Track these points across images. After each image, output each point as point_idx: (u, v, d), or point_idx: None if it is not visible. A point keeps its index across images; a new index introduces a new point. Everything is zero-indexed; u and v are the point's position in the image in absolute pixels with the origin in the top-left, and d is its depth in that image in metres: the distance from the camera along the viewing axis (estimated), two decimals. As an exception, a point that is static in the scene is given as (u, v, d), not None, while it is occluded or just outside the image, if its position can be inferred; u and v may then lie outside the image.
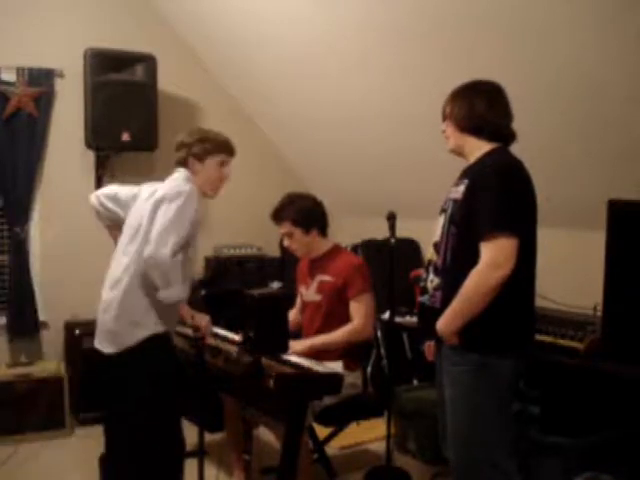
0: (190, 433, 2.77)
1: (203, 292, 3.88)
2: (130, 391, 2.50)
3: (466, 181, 2.24)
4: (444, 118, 2.39)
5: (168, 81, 4.48)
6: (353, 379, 3.04)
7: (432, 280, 2.33)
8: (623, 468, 2.69)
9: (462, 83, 2.36)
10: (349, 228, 4.69)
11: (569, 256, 3.37)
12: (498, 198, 2.13)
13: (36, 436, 3.87)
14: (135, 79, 4.24)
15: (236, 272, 4.69)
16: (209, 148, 2.67)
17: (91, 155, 4.36)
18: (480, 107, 2.27)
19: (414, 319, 3.51)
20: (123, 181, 2.88)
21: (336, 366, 2.94)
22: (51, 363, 4.17)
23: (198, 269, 4.55)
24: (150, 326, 2.48)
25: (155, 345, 2.49)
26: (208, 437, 3.02)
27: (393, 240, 2.97)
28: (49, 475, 3.48)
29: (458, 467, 2.30)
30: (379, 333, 3.79)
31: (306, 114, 4.53)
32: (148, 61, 4.26)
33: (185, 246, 2.41)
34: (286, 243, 3.21)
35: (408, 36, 3.31)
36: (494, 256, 2.11)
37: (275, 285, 4.73)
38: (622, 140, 2.90)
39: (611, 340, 2.70)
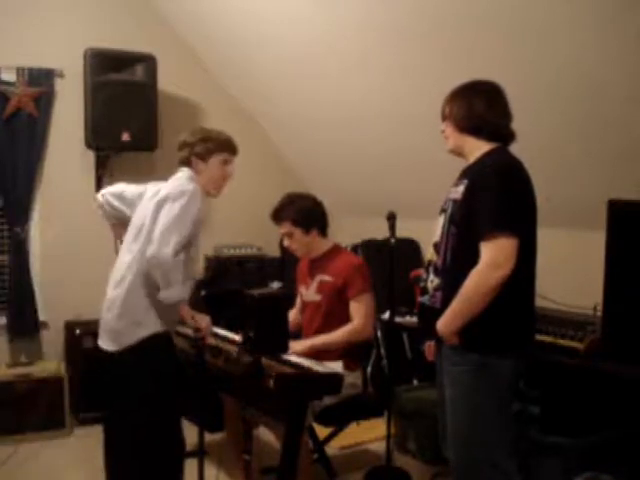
0: (190, 433, 2.77)
1: (203, 292, 3.88)
2: (132, 388, 2.51)
3: (466, 181, 2.24)
4: (443, 118, 2.39)
5: (168, 81, 4.47)
6: (353, 379, 3.04)
7: (432, 280, 2.33)
8: (623, 468, 2.69)
9: (461, 83, 2.36)
10: (349, 228, 4.69)
11: (569, 256, 3.36)
12: (498, 198, 2.13)
13: (36, 436, 3.87)
14: (135, 79, 4.24)
15: (236, 272, 4.69)
16: (212, 147, 2.67)
17: (91, 155, 4.36)
18: (479, 107, 2.27)
19: (414, 319, 3.51)
20: (123, 181, 2.88)
21: (336, 366, 2.93)
22: (51, 363, 4.17)
23: (198, 269, 4.55)
24: (151, 325, 2.49)
25: (156, 344, 2.50)
26: (208, 437, 3.01)
27: (393, 240, 2.97)
28: (49, 475, 3.48)
29: (458, 467, 2.30)
30: (379, 333, 3.78)
31: (306, 114, 4.53)
32: (148, 61, 4.26)
33: (187, 245, 2.42)
34: (286, 243, 3.21)
35: (408, 36, 3.31)
36: (494, 256, 2.11)
37: (275, 285, 4.73)
38: (622, 140, 2.90)
39: (611, 340, 2.70)
